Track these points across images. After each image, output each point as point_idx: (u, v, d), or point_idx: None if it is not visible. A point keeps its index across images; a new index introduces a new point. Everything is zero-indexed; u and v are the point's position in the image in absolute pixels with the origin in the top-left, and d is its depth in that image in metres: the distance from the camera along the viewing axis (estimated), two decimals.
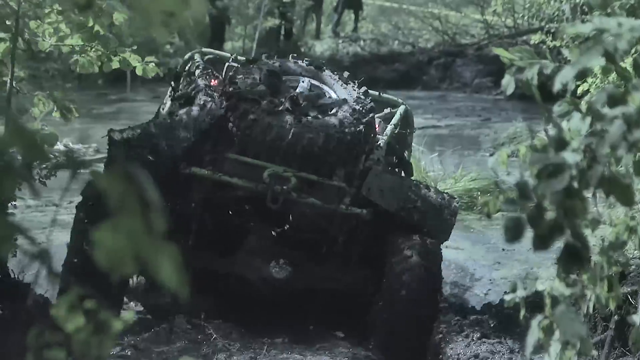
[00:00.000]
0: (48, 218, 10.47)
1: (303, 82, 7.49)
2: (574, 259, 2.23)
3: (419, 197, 7.25)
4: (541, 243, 2.20)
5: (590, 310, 2.80)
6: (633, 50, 2.53)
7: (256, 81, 7.25)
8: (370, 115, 7.40)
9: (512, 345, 5.87)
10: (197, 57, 8.24)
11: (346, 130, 7.16)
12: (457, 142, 15.92)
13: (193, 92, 7.47)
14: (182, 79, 8.11)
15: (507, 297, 2.71)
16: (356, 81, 7.75)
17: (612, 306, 2.82)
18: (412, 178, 7.94)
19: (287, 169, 7.16)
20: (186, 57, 8.43)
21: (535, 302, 2.67)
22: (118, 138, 7.08)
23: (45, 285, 7.38)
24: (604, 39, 2.41)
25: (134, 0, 1.68)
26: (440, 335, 6.29)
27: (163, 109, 8.00)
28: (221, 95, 7.29)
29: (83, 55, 7.19)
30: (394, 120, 8.07)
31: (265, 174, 7.12)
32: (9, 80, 6.78)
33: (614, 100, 2.35)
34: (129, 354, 6.42)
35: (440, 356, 6.15)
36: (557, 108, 2.72)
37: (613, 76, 6.06)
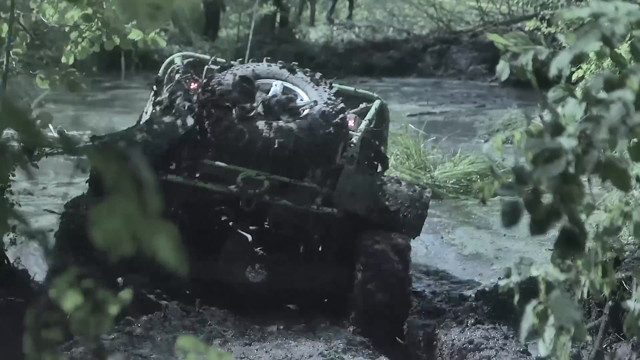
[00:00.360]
0: (30, 208, 10.40)
1: (276, 85, 7.68)
2: (571, 244, 2.23)
3: (390, 195, 7.46)
4: (538, 228, 2.20)
5: (585, 295, 2.80)
6: (629, 35, 2.52)
7: (229, 87, 7.45)
8: (341, 116, 7.60)
9: (507, 331, 5.87)
10: (177, 60, 8.38)
11: (316, 132, 7.41)
12: (452, 129, 15.93)
13: (172, 97, 7.66)
14: (163, 82, 8.23)
15: (501, 283, 2.70)
16: (328, 81, 7.94)
17: (606, 292, 2.82)
18: (385, 173, 8.21)
19: (260, 172, 7.40)
20: (167, 61, 8.56)
21: (529, 288, 2.67)
22: (98, 145, 7.21)
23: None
24: (601, 23, 2.41)
25: None
26: (434, 322, 6.30)
27: (146, 112, 8.19)
28: (197, 102, 7.49)
29: (81, 38, 7.22)
30: (369, 116, 8.20)
31: (239, 178, 7.36)
32: (4, 62, 6.77)
33: (611, 85, 2.35)
34: (123, 340, 6.42)
35: (434, 342, 6.16)
36: (552, 94, 2.72)
37: (608, 62, 6.06)
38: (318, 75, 7.96)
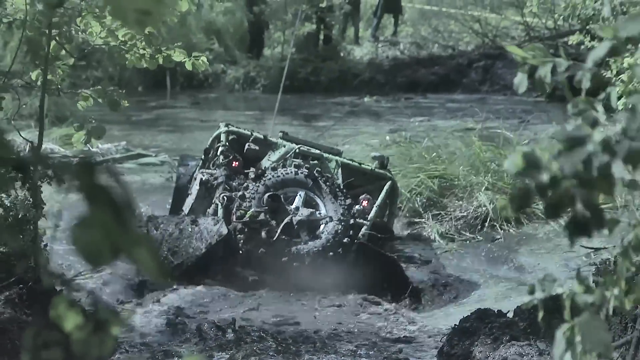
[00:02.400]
0: None
1: (300, 195, 9.12)
2: (579, 229, 2.19)
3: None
4: (551, 212, 2.17)
5: (610, 312, 2.74)
6: None
7: (258, 208, 8.93)
8: (350, 232, 9.04)
9: (543, 347, 5.80)
10: (222, 137, 9.75)
11: (327, 253, 8.83)
12: (497, 144, 15.84)
13: (215, 182, 9.29)
14: (210, 155, 9.79)
15: (525, 299, 2.65)
16: (344, 190, 9.36)
17: (627, 307, 2.76)
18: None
19: None
20: (214, 135, 9.93)
21: (555, 304, 2.61)
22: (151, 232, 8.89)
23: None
24: None
25: None
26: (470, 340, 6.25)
27: (195, 179, 9.62)
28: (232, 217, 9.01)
29: (131, 52, 7.31)
30: (379, 200, 9.61)
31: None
32: (43, 80, 6.82)
33: None
34: (158, 358, 6.43)
35: (468, 359, 6.11)
36: (572, 108, 2.69)
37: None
38: (336, 182, 9.44)
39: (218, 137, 9.81)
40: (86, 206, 1.51)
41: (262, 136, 9.83)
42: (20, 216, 6.57)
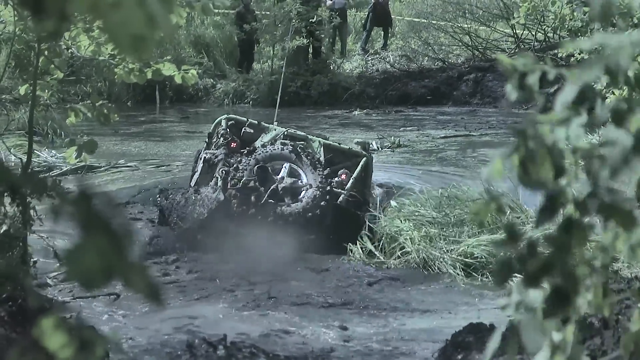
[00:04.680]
0: None
1: (285, 167, 10.75)
2: (559, 300, 2.17)
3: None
4: (531, 282, 2.15)
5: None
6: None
7: (250, 176, 10.56)
8: (327, 197, 10.63)
9: None
10: (223, 123, 11.42)
11: (306, 215, 10.51)
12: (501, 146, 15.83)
13: (216, 160, 10.86)
14: (213, 138, 11.42)
15: (501, 302, 2.62)
16: (323, 163, 10.98)
17: (606, 313, 2.72)
18: None
19: None
20: (215, 121, 11.63)
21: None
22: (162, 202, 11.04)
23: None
24: (605, 54, 2.35)
25: (103, 24, 1.63)
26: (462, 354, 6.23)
27: (201, 158, 11.17)
28: (227, 181, 10.62)
29: (120, 66, 7.30)
30: (356, 173, 11.12)
31: None
32: (32, 94, 6.78)
33: (618, 118, 2.29)
34: None
35: None
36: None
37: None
38: (317, 156, 11.02)
39: (219, 123, 11.49)
40: (81, 232, 1.50)
41: (256, 122, 11.51)
42: (9, 232, 6.52)
